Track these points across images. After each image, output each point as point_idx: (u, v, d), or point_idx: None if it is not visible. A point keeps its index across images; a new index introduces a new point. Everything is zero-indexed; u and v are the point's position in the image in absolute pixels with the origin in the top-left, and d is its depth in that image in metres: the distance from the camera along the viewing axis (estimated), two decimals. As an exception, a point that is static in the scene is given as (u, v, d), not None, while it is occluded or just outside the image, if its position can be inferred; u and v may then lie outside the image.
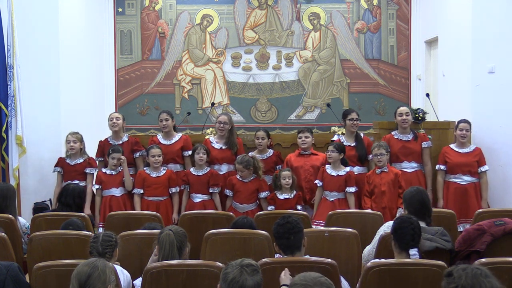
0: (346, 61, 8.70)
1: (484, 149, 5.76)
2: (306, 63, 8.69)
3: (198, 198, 5.39)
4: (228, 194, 5.42)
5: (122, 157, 5.40)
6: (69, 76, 6.60)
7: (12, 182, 5.58)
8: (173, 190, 5.43)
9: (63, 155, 5.71)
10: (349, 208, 5.22)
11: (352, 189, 5.27)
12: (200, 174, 5.41)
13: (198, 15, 8.65)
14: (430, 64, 8.16)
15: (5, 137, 5.69)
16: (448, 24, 7.12)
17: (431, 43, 8.08)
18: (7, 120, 5.69)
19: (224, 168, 5.67)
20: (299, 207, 5.21)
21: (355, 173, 5.48)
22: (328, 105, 7.53)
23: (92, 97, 7.74)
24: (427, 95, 6.83)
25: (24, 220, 4.63)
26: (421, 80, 8.41)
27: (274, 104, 8.72)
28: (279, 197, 5.21)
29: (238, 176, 5.39)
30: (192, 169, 5.47)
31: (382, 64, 8.71)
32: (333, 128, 6.53)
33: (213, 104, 8.13)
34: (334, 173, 5.30)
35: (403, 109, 5.72)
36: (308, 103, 8.72)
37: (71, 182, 5.43)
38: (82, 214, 4.48)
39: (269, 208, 5.23)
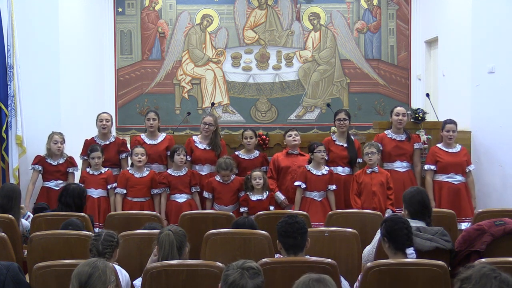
0: (346, 61, 8.71)
1: (484, 149, 5.77)
2: (306, 63, 8.69)
3: (183, 198, 5.36)
4: (207, 196, 5.36)
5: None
6: (69, 76, 6.60)
7: (12, 182, 5.58)
8: (155, 191, 5.40)
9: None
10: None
11: (334, 187, 5.33)
12: (181, 174, 5.37)
13: (198, 15, 8.66)
14: (430, 64, 8.17)
15: (5, 137, 5.69)
16: (448, 24, 7.12)
17: (431, 43, 8.08)
18: (7, 120, 5.69)
19: (206, 169, 5.63)
20: (272, 208, 5.19)
21: (343, 175, 5.54)
22: (328, 105, 7.53)
23: (92, 97, 7.74)
24: (427, 95, 6.83)
25: (27, 223, 4.63)
26: (421, 80, 8.42)
27: (274, 104, 8.73)
28: (252, 199, 5.15)
29: (218, 178, 5.35)
30: (170, 171, 5.41)
31: (382, 64, 8.71)
32: (333, 128, 6.53)
33: (213, 104, 8.14)
34: (319, 173, 5.29)
35: (400, 109, 5.72)
36: (308, 103, 8.72)
37: (71, 183, 5.43)
38: (82, 214, 4.47)
39: (241, 209, 5.17)
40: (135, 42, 8.65)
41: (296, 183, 5.29)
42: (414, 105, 8.02)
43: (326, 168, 5.35)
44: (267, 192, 5.22)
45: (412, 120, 6.12)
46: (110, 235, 3.31)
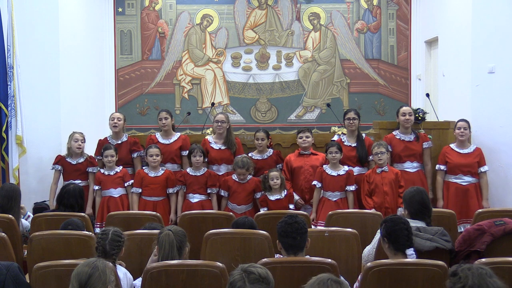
0: (346, 61, 8.70)
1: (484, 149, 5.76)
2: (306, 63, 8.69)
3: (196, 198, 5.37)
4: (223, 194, 5.39)
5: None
6: (69, 76, 6.60)
7: (12, 182, 5.58)
8: (171, 190, 5.43)
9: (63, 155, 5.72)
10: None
11: (352, 187, 5.31)
12: (198, 174, 5.39)
13: (198, 15, 8.65)
14: (430, 64, 8.16)
15: (5, 137, 5.69)
16: (448, 24, 7.12)
17: (431, 43, 8.08)
18: (7, 120, 5.69)
19: (223, 169, 5.66)
20: (291, 207, 5.20)
21: (355, 174, 5.50)
22: (328, 105, 7.52)
23: (92, 97, 7.74)
24: (427, 95, 6.83)
25: (27, 223, 4.63)
26: (421, 80, 8.41)
27: (274, 104, 8.72)
28: (271, 198, 5.17)
29: (234, 177, 5.36)
30: (189, 170, 5.45)
31: (382, 64, 8.71)
32: (333, 128, 6.53)
33: (213, 104, 8.13)
34: (334, 173, 5.31)
35: (406, 109, 5.73)
36: (308, 103, 8.72)
37: (72, 182, 5.42)
38: (82, 214, 4.47)
39: (261, 210, 5.16)
40: (135, 42, 8.64)
41: (313, 183, 5.35)
42: (414, 105, 8.01)
43: (345, 168, 5.35)
44: (285, 191, 5.23)
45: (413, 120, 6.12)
46: (117, 235, 3.27)
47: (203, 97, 8.69)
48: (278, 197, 5.18)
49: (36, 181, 6.07)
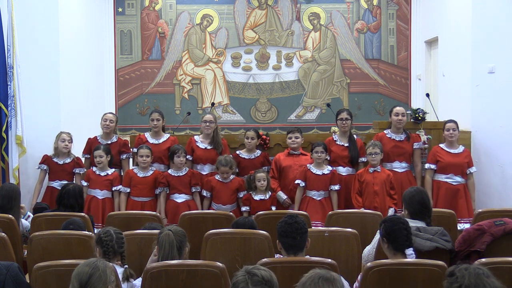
0: (346, 61, 8.71)
1: (484, 149, 5.77)
2: (306, 63, 8.69)
3: (182, 198, 5.36)
4: (205, 195, 5.38)
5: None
6: (69, 76, 6.61)
7: (12, 182, 5.57)
8: (158, 191, 5.41)
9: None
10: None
11: (336, 187, 5.32)
12: (181, 174, 5.38)
13: (198, 15, 8.66)
14: (430, 64, 8.17)
15: (5, 137, 5.68)
16: (448, 24, 7.12)
17: (431, 43, 8.08)
18: (7, 120, 5.69)
19: (206, 169, 5.65)
20: (273, 208, 5.20)
21: (344, 174, 5.53)
22: (328, 105, 7.53)
23: (92, 97, 7.75)
24: (427, 95, 6.83)
25: (27, 223, 4.62)
26: (421, 80, 8.42)
27: (274, 104, 8.73)
28: (254, 198, 5.18)
29: (217, 177, 5.36)
30: (170, 171, 5.43)
31: (382, 64, 8.71)
32: (333, 128, 6.54)
33: (213, 104, 8.14)
34: (319, 172, 5.31)
35: (399, 109, 5.71)
36: (308, 103, 8.72)
37: (68, 182, 5.42)
38: (82, 214, 4.47)
39: (243, 209, 5.20)
40: (135, 42, 8.65)
41: (296, 182, 5.33)
42: (414, 105, 8.02)
43: (329, 168, 5.35)
44: (270, 192, 5.24)
45: (412, 120, 6.12)
46: (119, 232, 3.32)
47: (203, 97, 8.70)
48: (262, 197, 5.19)
49: (36, 181, 6.05)
